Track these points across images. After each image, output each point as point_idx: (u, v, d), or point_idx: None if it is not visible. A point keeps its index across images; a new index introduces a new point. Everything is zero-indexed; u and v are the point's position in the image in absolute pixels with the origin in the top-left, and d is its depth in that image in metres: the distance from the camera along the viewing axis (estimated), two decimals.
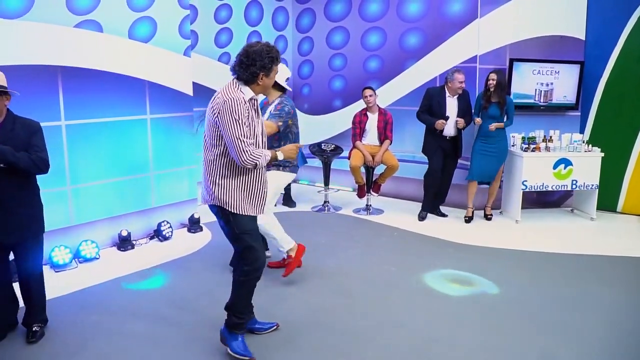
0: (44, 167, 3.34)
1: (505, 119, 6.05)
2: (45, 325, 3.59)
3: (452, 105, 6.19)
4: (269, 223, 4.40)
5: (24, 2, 4.45)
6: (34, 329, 3.46)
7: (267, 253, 4.84)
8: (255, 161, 3.00)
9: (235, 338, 3.27)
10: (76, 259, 4.93)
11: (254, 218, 3.26)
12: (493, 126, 5.93)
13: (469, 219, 6.34)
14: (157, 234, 5.62)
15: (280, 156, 3.22)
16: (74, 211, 5.02)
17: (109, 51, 5.12)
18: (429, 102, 6.24)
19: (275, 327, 3.63)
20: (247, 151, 2.96)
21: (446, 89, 6.18)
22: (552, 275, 4.63)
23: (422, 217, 6.45)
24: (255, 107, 3.15)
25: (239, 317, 3.27)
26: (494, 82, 5.90)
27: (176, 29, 5.71)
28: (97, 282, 4.48)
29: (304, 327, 3.67)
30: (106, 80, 5.13)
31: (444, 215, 6.59)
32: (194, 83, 6.08)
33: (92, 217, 5.17)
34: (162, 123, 5.71)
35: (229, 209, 3.11)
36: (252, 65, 3.00)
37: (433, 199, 6.54)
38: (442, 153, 6.32)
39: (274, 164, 4.05)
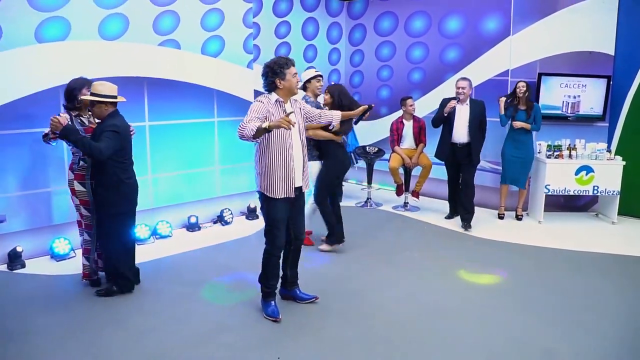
0: (96, 153, 4.01)
1: (533, 124, 6.63)
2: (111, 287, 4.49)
3: (461, 111, 6.37)
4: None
5: (120, 27, 5.56)
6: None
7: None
8: (240, 131, 3.54)
9: (269, 304, 4.07)
10: (154, 236, 6.00)
11: (283, 207, 3.90)
12: (518, 124, 6.58)
13: (502, 216, 7.04)
14: (220, 219, 6.64)
15: (265, 124, 3.48)
16: (153, 196, 6.08)
17: (185, 65, 6.17)
18: (441, 109, 6.41)
19: (314, 299, 4.31)
20: (241, 124, 3.58)
21: None
22: (557, 269, 5.20)
23: (448, 217, 7.01)
24: (283, 108, 3.83)
25: (267, 287, 4.09)
26: (524, 88, 6.58)
27: (241, 46, 6.71)
28: (169, 254, 5.51)
29: (332, 293, 4.51)
30: (182, 89, 6.18)
31: (468, 226, 6.51)
32: (255, 91, 7.04)
33: (168, 202, 6.23)
34: (226, 125, 6.73)
35: (264, 192, 3.89)
36: (268, 75, 3.82)
37: (457, 207, 6.82)
38: (455, 162, 6.54)
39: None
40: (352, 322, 4.01)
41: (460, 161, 6.49)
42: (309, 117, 4.18)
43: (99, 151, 4.02)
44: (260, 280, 4.12)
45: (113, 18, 5.49)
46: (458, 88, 6.36)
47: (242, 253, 5.60)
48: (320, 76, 5.48)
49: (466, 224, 6.49)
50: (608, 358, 3.54)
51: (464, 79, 6.42)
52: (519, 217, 7.02)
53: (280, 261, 4.15)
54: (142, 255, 5.38)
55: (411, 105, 7.24)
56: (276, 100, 3.84)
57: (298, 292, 4.36)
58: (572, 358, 3.51)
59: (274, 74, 3.80)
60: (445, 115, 6.36)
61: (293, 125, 3.47)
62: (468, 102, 6.40)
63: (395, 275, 5.00)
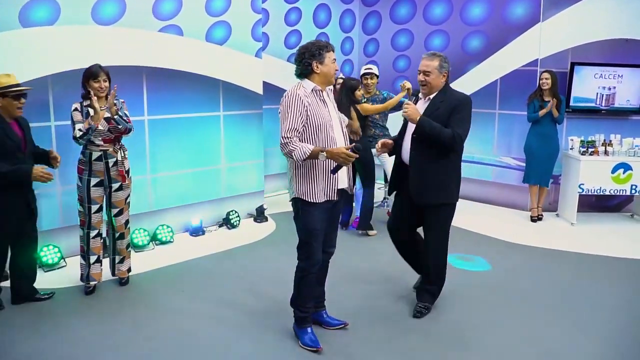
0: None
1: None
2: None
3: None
4: None
5: (116, 11, 5.01)
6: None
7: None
8: (289, 150, 3.19)
9: (305, 332, 3.50)
10: (153, 242, 5.46)
11: (322, 216, 3.36)
12: (543, 111, 6.12)
13: (536, 219, 6.51)
14: (226, 222, 6.10)
15: (322, 157, 3.20)
16: (153, 198, 5.55)
17: (187, 53, 5.62)
18: None
19: (343, 325, 3.72)
20: (285, 138, 3.20)
21: None
22: (598, 278, 4.73)
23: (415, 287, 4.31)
24: (322, 97, 3.35)
25: (303, 311, 3.51)
26: (549, 80, 6.13)
27: (249, 32, 6.16)
28: (170, 263, 4.97)
29: (359, 311, 4.00)
30: (184, 80, 5.64)
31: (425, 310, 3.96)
32: (264, 82, 6.52)
33: (169, 204, 5.70)
34: (233, 119, 6.19)
35: (302, 197, 3.31)
36: (303, 57, 3.30)
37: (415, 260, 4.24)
38: (407, 197, 3.88)
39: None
40: (381, 344, 3.50)
41: (412, 199, 3.85)
42: None
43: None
44: (294, 304, 3.55)
45: (108, 1, 4.94)
46: (420, 72, 3.74)
47: (252, 260, 5.09)
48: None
49: (422, 307, 3.96)
50: None
51: (432, 55, 3.77)
52: (539, 217, 6.55)
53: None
54: (141, 264, 4.90)
55: None
56: (313, 89, 3.31)
57: (325, 316, 3.75)
58: None
59: (312, 56, 3.28)
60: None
61: (352, 159, 3.22)
62: (433, 96, 3.77)
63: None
